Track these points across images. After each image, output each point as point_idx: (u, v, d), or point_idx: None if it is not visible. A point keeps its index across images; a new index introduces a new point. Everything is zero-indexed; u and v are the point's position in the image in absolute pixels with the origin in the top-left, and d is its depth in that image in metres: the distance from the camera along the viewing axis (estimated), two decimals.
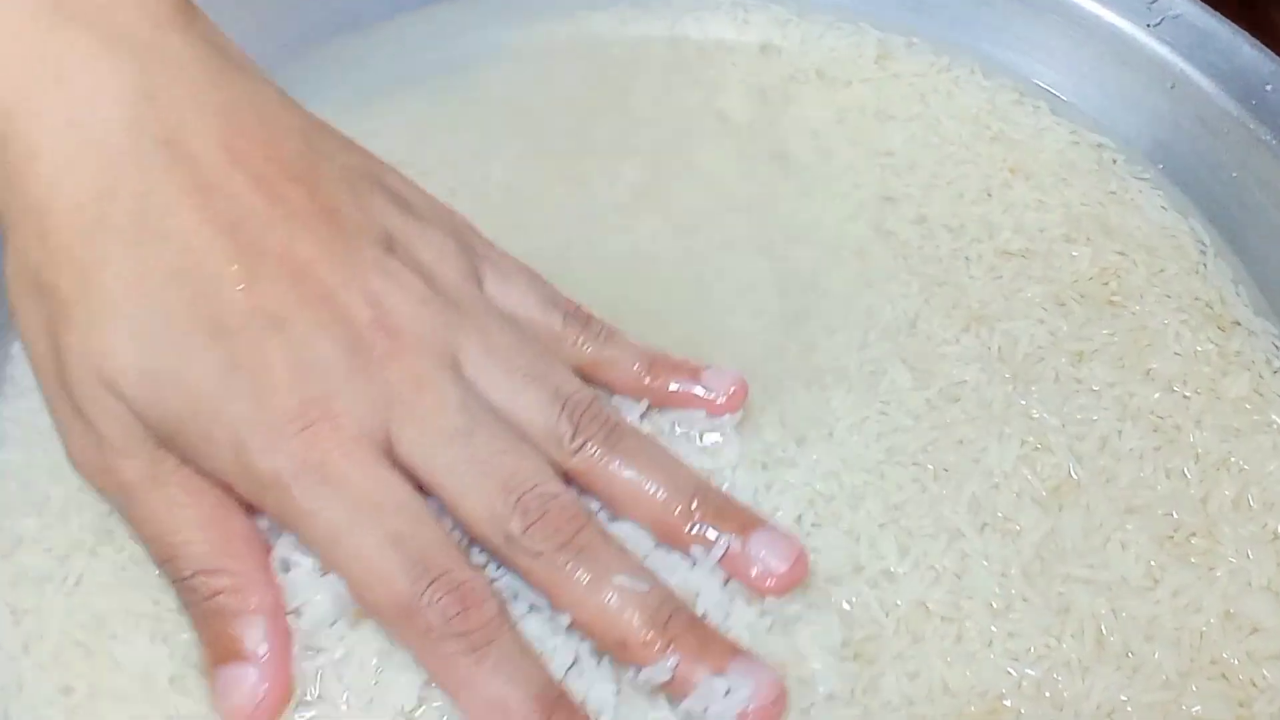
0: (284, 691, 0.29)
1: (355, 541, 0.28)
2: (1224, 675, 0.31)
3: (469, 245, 0.33)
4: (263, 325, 0.29)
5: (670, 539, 0.30)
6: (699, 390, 0.33)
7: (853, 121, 0.42)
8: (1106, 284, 0.38)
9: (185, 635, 0.32)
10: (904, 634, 0.31)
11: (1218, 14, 0.39)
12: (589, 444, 0.30)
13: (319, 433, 0.28)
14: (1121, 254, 0.38)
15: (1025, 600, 0.32)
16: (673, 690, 0.28)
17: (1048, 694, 0.30)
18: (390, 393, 0.29)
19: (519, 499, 0.29)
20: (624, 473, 0.30)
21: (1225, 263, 0.39)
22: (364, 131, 0.34)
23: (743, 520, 0.30)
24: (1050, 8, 0.42)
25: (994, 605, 0.31)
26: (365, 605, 0.29)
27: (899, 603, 0.31)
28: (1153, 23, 0.40)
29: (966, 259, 0.38)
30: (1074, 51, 0.42)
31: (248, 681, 0.29)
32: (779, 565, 0.30)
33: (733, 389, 0.33)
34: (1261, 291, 0.38)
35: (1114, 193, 0.40)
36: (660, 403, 0.33)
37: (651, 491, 0.30)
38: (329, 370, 0.29)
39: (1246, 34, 0.39)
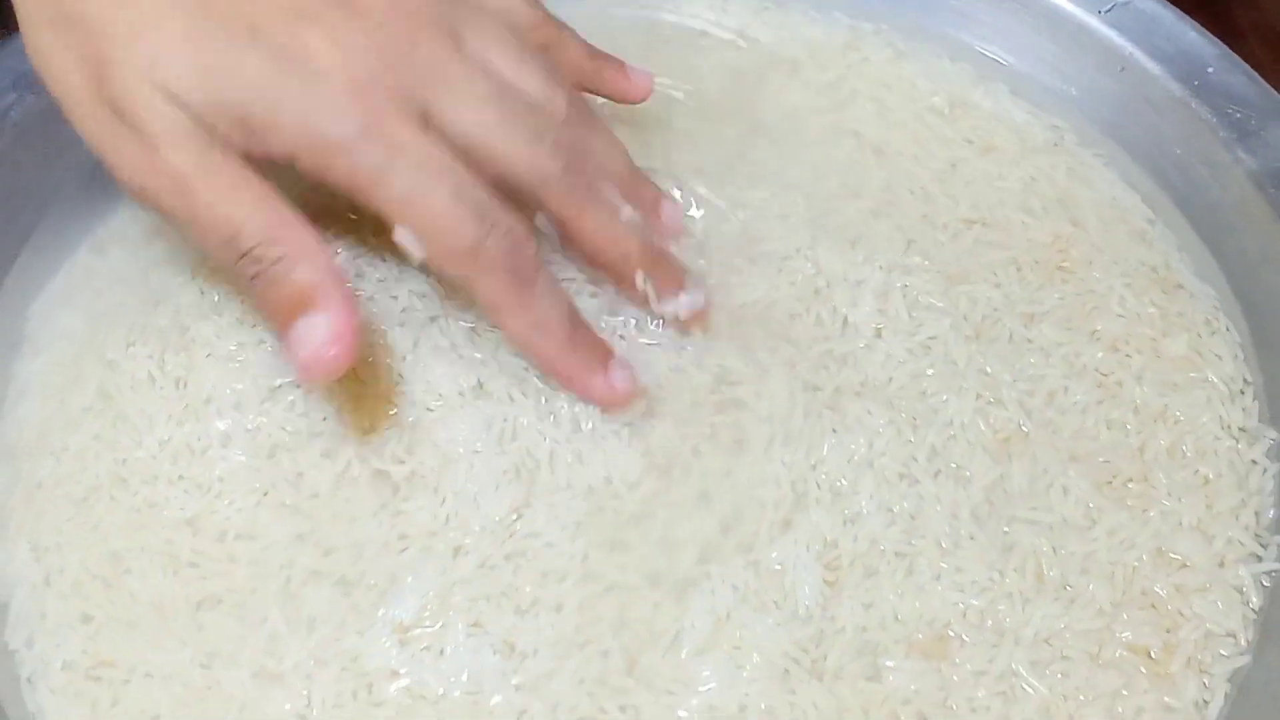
0: (354, 342, 0.31)
1: (427, 197, 0.32)
2: (1153, 605, 0.33)
3: None
4: (297, 19, 0.32)
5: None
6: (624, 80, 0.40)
7: (824, 102, 0.44)
8: (1059, 251, 0.40)
9: (196, 570, 0.34)
10: (859, 568, 0.34)
11: (1164, 1, 0.42)
12: (572, 119, 0.35)
13: (374, 103, 0.32)
14: (1074, 224, 0.41)
15: (973, 539, 0.34)
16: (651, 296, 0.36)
17: (990, 623, 0.33)
18: (424, 70, 0.33)
19: (553, 142, 0.34)
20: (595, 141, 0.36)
21: (1170, 231, 0.41)
22: None
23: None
24: None
25: (943, 544, 0.34)
26: (439, 251, 0.33)
27: (858, 539, 0.34)
28: (1104, 9, 0.43)
29: (933, 225, 0.41)
30: (1032, 37, 0.44)
31: (321, 327, 0.31)
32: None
33: (646, 83, 0.40)
34: (1203, 257, 0.40)
35: (1068, 168, 0.43)
36: (595, 87, 0.39)
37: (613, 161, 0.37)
38: (365, 53, 0.32)
39: (1190, 20, 0.41)
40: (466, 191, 0.32)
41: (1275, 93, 0.40)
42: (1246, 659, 0.33)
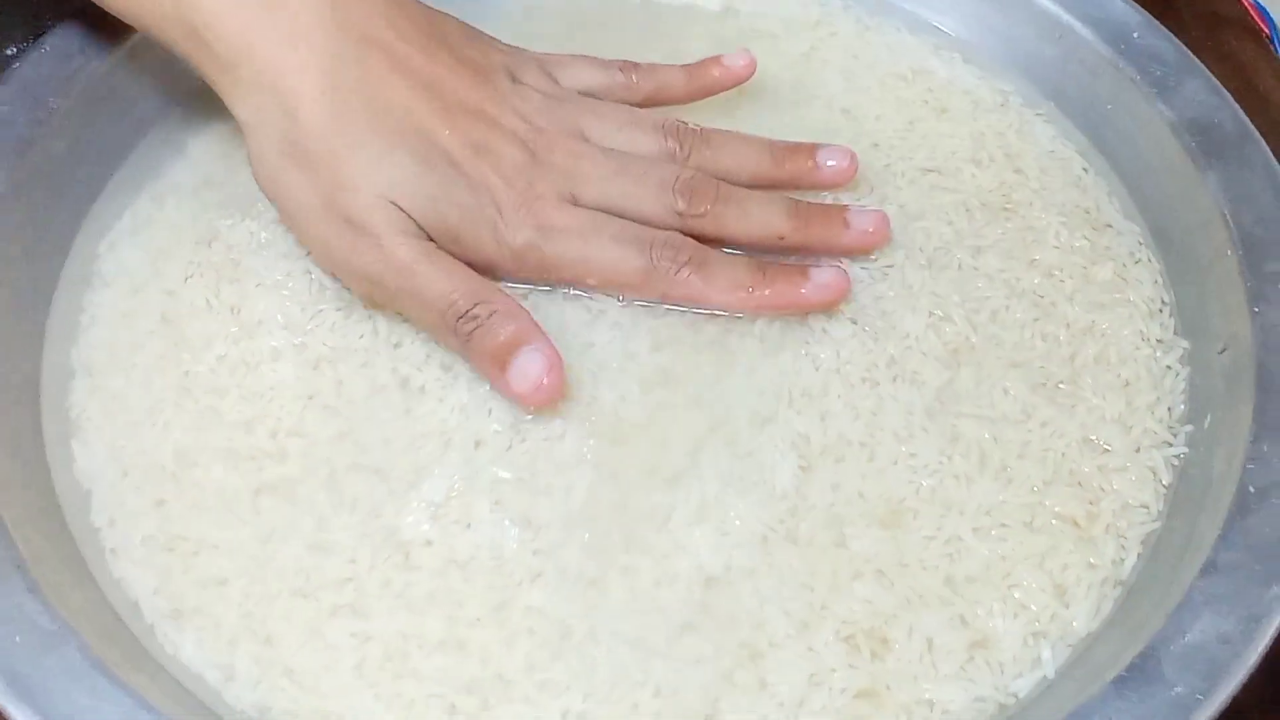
0: (562, 371, 0.39)
1: (597, 247, 0.41)
2: (1079, 484, 0.39)
3: (545, 61, 0.45)
4: (473, 152, 0.40)
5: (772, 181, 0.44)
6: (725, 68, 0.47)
7: (799, 70, 0.50)
8: (1003, 195, 0.46)
9: (253, 463, 0.39)
10: (829, 455, 0.39)
11: None
12: (692, 145, 0.43)
13: (538, 208, 0.40)
14: (1017, 172, 0.47)
15: (925, 431, 0.40)
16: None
17: (940, 498, 0.38)
18: (561, 169, 0.41)
19: (674, 186, 0.42)
20: (722, 158, 0.44)
21: (1102, 178, 0.47)
22: None
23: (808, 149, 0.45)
24: None
25: (900, 435, 0.39)
26: (622, 288, 0.41)
27: (827, 432, 0.39)
28: None
29: (894, 173, 0.47)
30: (982, 9, 0.50)
31: (538, 359, 0.38)
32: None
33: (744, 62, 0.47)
34: (1128, 200, 0.46)
35: (1012, 124, 0.48)
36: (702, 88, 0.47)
37: (745, 157, 0.44)
38: (521, 169, 0.41)
39: None
40: (624, 230, 0.41)
41: (1189, 53, 0.46)
42: (1157, 525, 0.38)
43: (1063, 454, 0.39)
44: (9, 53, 0.55)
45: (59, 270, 0.43)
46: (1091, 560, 0.37)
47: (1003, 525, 0.38)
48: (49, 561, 0.35)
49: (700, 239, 0.42)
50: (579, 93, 0.45)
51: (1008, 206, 0.46)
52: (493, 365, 0.39)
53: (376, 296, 0.41)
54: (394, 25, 0.41)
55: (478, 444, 0.39)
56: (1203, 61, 0.47)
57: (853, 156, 0.44)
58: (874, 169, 0.46)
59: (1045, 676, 0.35)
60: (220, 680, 0.35)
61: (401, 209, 0.40)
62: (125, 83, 0.46)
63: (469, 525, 0.38)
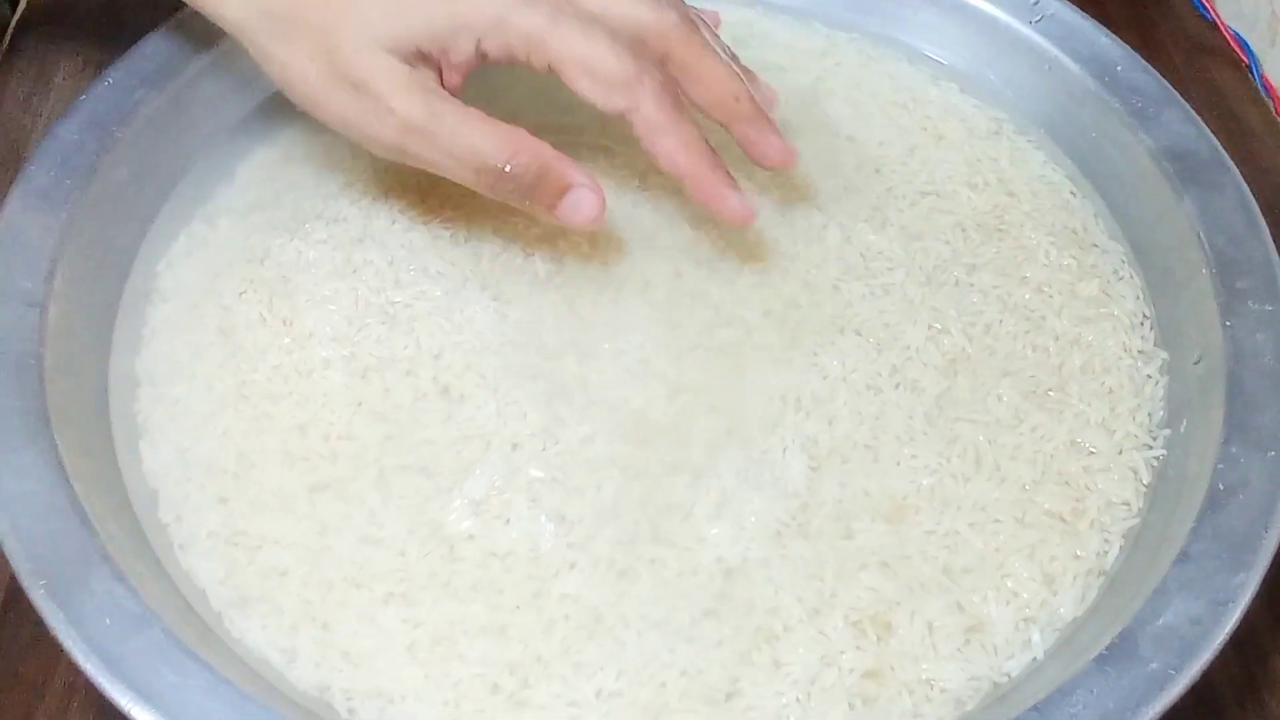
0: (604, 195, 0.41)
1: (591, 42, 0.40)
2: (1066, 482, 0.42)
3: None
4: None
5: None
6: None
7: (804, 99, 0.53)
8: (997, 216, 0.49)
9: (307, 463, 0.43)
10: (836, 456, 0.42)
11: (1081, 12, 0.51)
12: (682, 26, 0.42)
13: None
14: (1010, 195, 0.50)
15: (925, 434, 0.43)
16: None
17: (939, 495, 0.42)
18: None
19: (671, 4, 0.42)
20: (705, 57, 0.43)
21: (1089, 201, 0.50)
22: None
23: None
24: (958, 9, 0.54)
25: (902, 438, 0.43)
26: (607, 82, 0.40)
27: (835, 435, 0.43)
28: (1035, 20, 0.52)
29: (896, 196, 0.50)
30: (977, 42, 0.53)
31: (586, 196, 0.41)
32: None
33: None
34: (1112, 221, 0.49)
35: (1005, 150, 0.52)
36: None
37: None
38: None
39: (1103, 27, 0.51)
40: (620, 37, 0.40)
41: (1169, 86, 0.49)
42: (1137, 520, 0.41)
43: (1051, 455, 0.43)
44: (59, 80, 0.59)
45: (121, 287, 0.47)
46: (1077, 552, 0.41)
47: (996, 520, 0.41)
48: (127, 554, 0.38)
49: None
50: None
51: (1001, 227, 0.49)
52: (542, 209, 0.41)
53: (407, 161, 0.41)
54: None
55: (514, 446, 0.42)
56: (1186, 89, 0.50)
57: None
58: (876, 192, 0.50)
59: (1035, 658, 0.38)
60: (284, 662, 0.39)
61: (388, 44, 0.39)
62: (180, 112, 0.50)
63: (508, 521, 0.41)
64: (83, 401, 0.43)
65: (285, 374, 0.44)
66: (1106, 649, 0.35)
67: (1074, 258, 0.48)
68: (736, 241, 0.48)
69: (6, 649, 0.43)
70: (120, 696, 0.34)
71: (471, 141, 0.40)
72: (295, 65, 0.41)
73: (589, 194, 0.41)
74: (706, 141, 0.42)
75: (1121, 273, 0.48)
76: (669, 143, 0.41)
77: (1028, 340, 0.46)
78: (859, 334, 0.45)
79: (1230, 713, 0.42)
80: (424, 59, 0.41)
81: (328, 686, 0.38)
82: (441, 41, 0.40)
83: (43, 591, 0.35)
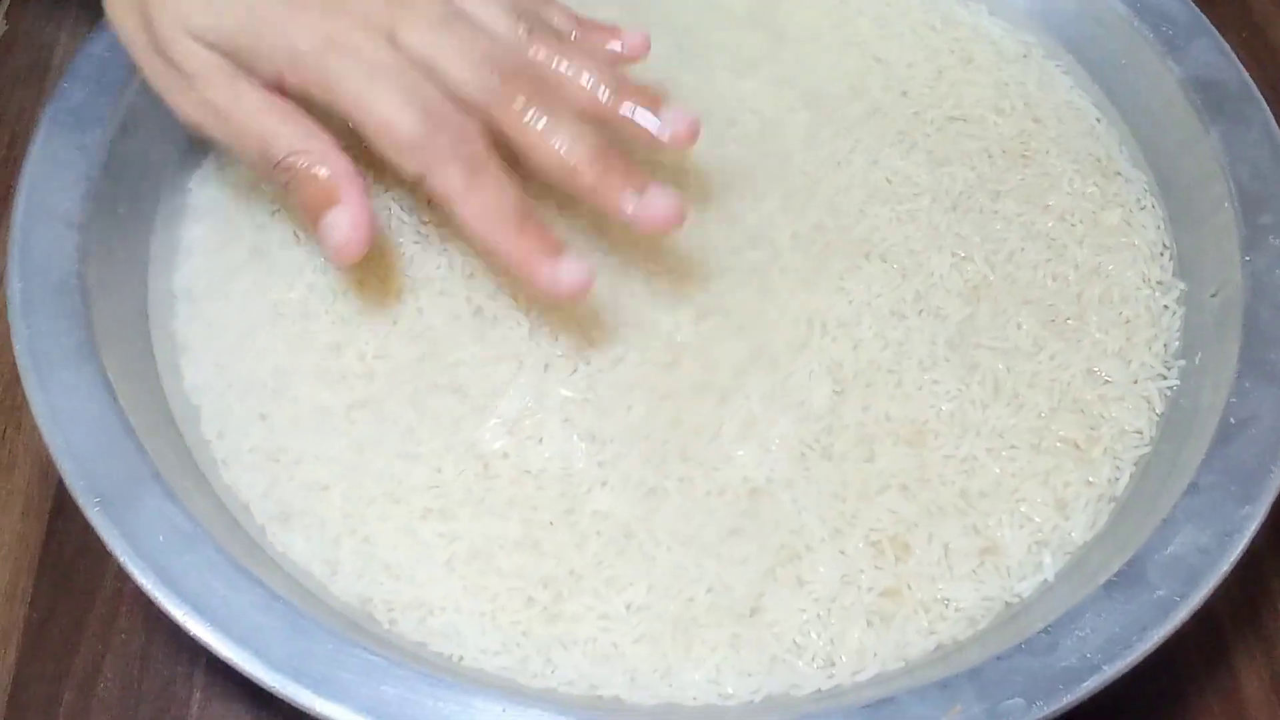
0: (369, 224, 0.38)
1: (379, 93, 0.37)
2: (1081, 410, 0.43)
3: None
4: None
5: (605, 117, 0.40)
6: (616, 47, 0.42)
7: (834, 19, 0.53)
8: (1022, 143, 0.50)
9: (344, 382, 0.44)
10: (860, 380, 0.44)
11: None
12: (540, 46, 0.39)
13: (342, 23, 0.37)
14: (1036, 121, 0.50)
15: (947, 360, 0.44)
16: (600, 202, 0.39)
17: (958, 421, 0.43)
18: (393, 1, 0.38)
19: (496, 65, 0.38)
20: (564, 65, 0.40)
21: (1114, 128, 0.51)
22: None
23: (651, 95, 0.40)
24: None
25: (924, 364, 0.44)
26: (387, 146, 0.37)
27: (859, 359, 0.44)
28: None
29: (923, 120, 0.50)
30: None
31: (344, 219, 0.38)
32: (684, 126, 0.40)
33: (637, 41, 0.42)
34: (1137, 150, 0.50)
35: (1033, 75, 0.52)
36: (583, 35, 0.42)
37: (584, 80, 0.39)
38: None
39: None
40: (417, 91, 0.37)
41: (1199, 13, 0.49)
42: (1149, 449, 0.43)
43: (1068, 384, 0.44)
44: None
45: (156, 205, 0.47)
46: (1090, 479, 0.42)
47: (1013, 447, 0.42)
48: (175, 471, 0.40)
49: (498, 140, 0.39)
50: None
51: (1026, 153, 0.49)
52: (306, 216, 0.39)
53: (204, 137, 0.41)
54: None
55: (546, 367, 0.44)
56: (1217, 8, 0.50)
57: (692, 124, 0.40)
58: (903, 116, 0.50)
59: (1046, 580, 0.40)
60: (327, 574, 0.40)
61: (201, 36, 0.38)
62: None
63: (541, 440, 0.42)
64: (125, 320, 0.44)
65: (320, 293, 0.45)
66: (1115, 575, 0.37)
67: (1097, 186, 0.49)
68: (764, 165, 0.49)
69: (56, 557, 0.45)
70: (176, 610, 0.35)
71: (265, 126, 0.39)
72: (126, 26, 0.40)
73: (345, 217, 0.38)
74: (519, 200, 0.38)
75: (1144, 202, 0.48)
76: (464, 211, 0.38)
77: (1049, 269, 0.46)
78: (884, 260, 0.46)
79: (1228, 633, 0.44)
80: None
81: (369, 598, 0.40)
82: (243, 58, 0.39)
83: (97, 509, 0.37)
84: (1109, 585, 0.37)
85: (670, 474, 0.42)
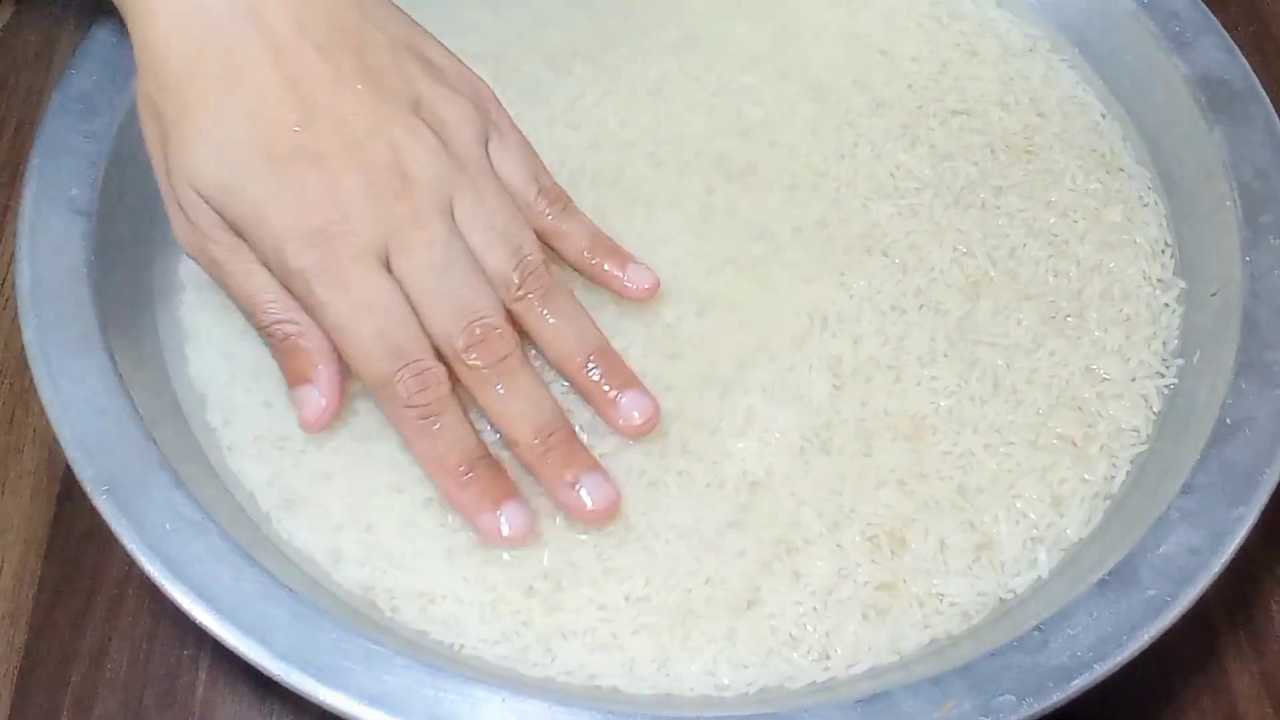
0: (338, 403, 0.40)
1: (354, 330, 0.38)
2: (1079, 408, 0.44)
3: (485, 113, 0.42)
4: (307, 159, 0.38)
5: (572, 380, 0.42)
6: (623, 278, 0.43)
7: (840, 12, 0.53)
8: (1026, 138, 0.50)
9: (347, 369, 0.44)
10: (859, 375, 0.44)
11: None
12: (529, 295, 0.40)
13: (335, 246, 0.38)
14: (1040, 115, 0.51)
15: (946, 356, 0.44)
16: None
17: (956, 416, 0.43)
18: (394, 224, 0.38)
19: (468, 324, 0.39)
20: (549, 320, 0.41)
21: (1118, 124, 0.51)
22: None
23: (624, 378, 0.41)
24: None
25: (923, 359, 0.44)
26: (358, 376, 0.40)
27: (859, 354, 0.44)
28: None
29: (926, 114, 0.50)
30: None
31: (314, 397, 0.40)
32: (638, 419, 0.41)
33: (647, 285, 0.43)
34: (1140, 146, 0.50)
35: (1038, 69, 0.52)
36: (592, 277, 0.43)
37: (564, 340, 0.41)
38: (350, 200, 0.38)
39: None
40: (392, 333, 0.38)
41: (1207, 10, 0.49)
42: (1145, 447, 0.43)
43: (1066, 381, 0.44)
44: None
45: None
46: (1086, 476, 0.42)
47: (1010, 443, 0.43)
48: (181, 458, 0.40)
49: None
50: (493, 171, 0.41)
51: (1030, 149, 0.50)
52: (285, 376, 0.41)
53: (200, 267, 0.42)
54: (294, 4, 0.39)
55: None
56: (1226, 2, 0.50)
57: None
58: (908, 109, 0.50)
59: (1040, 576, 0.41)
60: (330, 562, 0.41)
61: (207, 198, 0.39)
62: None
63: None
64: (132, 307, 0.44)
65: None
66: (1108, 574, 0.37)
67: (1100, 182, 0.49)
68: (769, 158, 0.49)
69: (64, 539, 0.45)
70: (183, 598, 0.36)
71: (256, 294, 0.40)
72: (148, 139, 0.41)
73: (313, 396, 0.40)
74: (469, 451, 0.40)
75: (1146, 199, 0.49)
76: (414, 450, 0.40)
77: (1050, 265, 0.47)
78: (886, 254, 0.46)
79: (1220, 630, 0.45)
80: None
81: (372, 586, 0.40)
82: (245, 236, 0.39)
83: (105, 497, 0.38)
84: (1101, 584, 0.37)
85: (670, 467, 0.42)
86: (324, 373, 0.40)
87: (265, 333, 0.41)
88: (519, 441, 0.40)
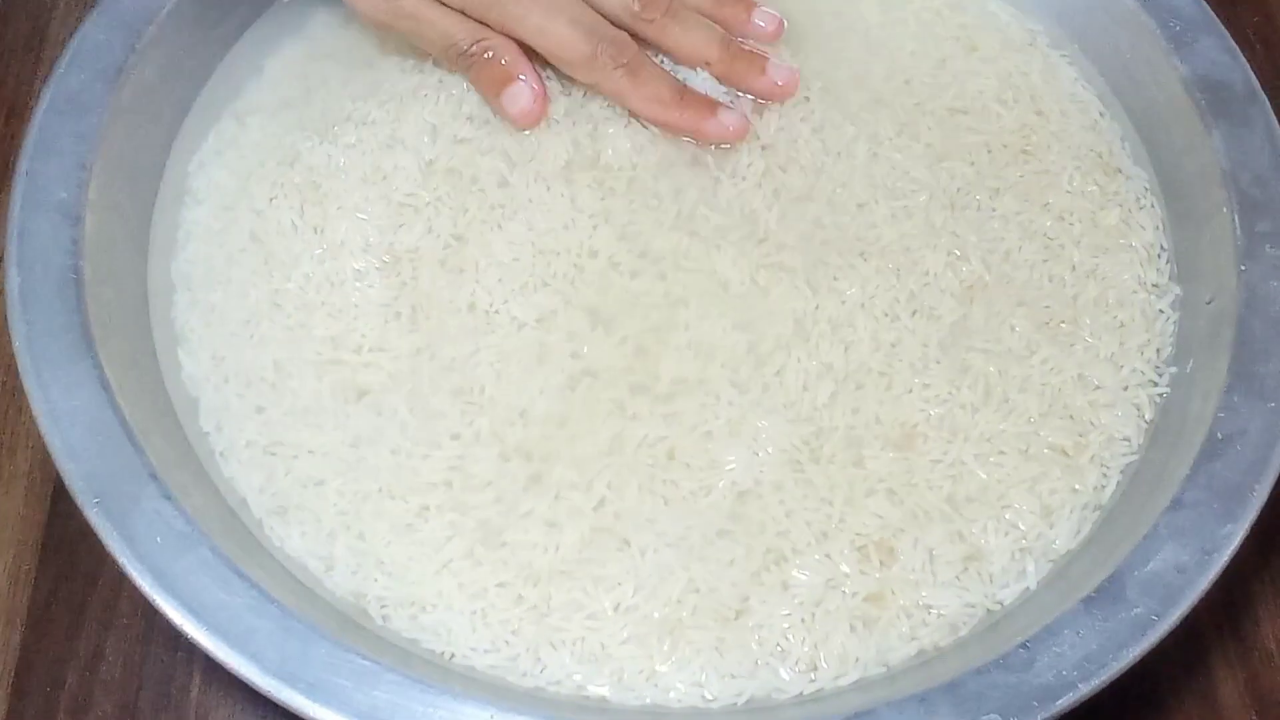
0: (546, 99, 0.47)
1: (553, 27, 0.46)
2: (1071, 416, 0.44)
3: None
4: None
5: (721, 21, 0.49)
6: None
7: (837, 4, 0.52)
8: (1024, 137, 0.49)
9: (341, 374, 0.44)
10: (851, 382, 0.44)
11: None
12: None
13: None
14: (1038, 113, 0.50)
15: (938, 363, 0.44)
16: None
17: (948, 425, 0.43)
18: None
19: None
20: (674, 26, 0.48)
21: (1117, 122, 0.50)
22: None
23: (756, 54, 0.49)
24: None
25: (916, 366, 0.44)
26: (567, 63, 0.47)
27: (850, 360, 0.44)
28: None
29: (924, 112, 0.50)
30: None
31: (525, 91, 0.47)
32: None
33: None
34: (1139, 146, 0.49)
35: (1038, 65, 0.51)
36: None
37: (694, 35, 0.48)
38: None
39: None
40: (581, 18, 0.46)
41: (1208, 10, 0.48)
42: (1136, 457, 0.43)
43: (1059, 389, 0.44)
44: None
45: (156, 188, 0.47)
46: (1076, 486, 0.42)
47: (1001, 452, 0.43)
48: (172, 465, 0.41)
49: (643, 42, 0.48)
50: None
51: (1027, 149, 0.49)
52: (489, 91, 0.47)
53: (393, 31, 0.48)
54: None
55: (540, 360, 0.44)
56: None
57: (780, 22, 0.49)
58: (905, 107, 0.50)
59: (1028, 588, 0.41)
60: (322, 569, 0.41)
61: None
62: (206, 7, 0.49)
63: (535, 437, 0.43)
64: (124, 310, 0.44)
65: (317, 284, 0.46)
66: (1095, 591, 0.38)
67: (1097, 184, 0.48)
68: (765, 158, 0.48)
69: (58, 540, 0.46)
70: (174, 614, 0.36)
71: (450, 27, 0.47)
72: None
73: (527, 89, 0.47)
74: (672, 84, 0.47)
75: (1144, 201, 0.48)
76: (634, 103, 0.47)
77: (1045, 269, 0.46)
78: (881, 258, 0.46)
79: (1208, 639, 0.45)
80: None
81: (363, 594, 0.41)
82: None
83: (96, 509, 0.38)
84: (1088, 601, 0.37)
85: (659, 475, 0.42)
86: (528, 71, 0.47)
87: (465, 56, 0.47)
88: (711, 60, 0.48)
